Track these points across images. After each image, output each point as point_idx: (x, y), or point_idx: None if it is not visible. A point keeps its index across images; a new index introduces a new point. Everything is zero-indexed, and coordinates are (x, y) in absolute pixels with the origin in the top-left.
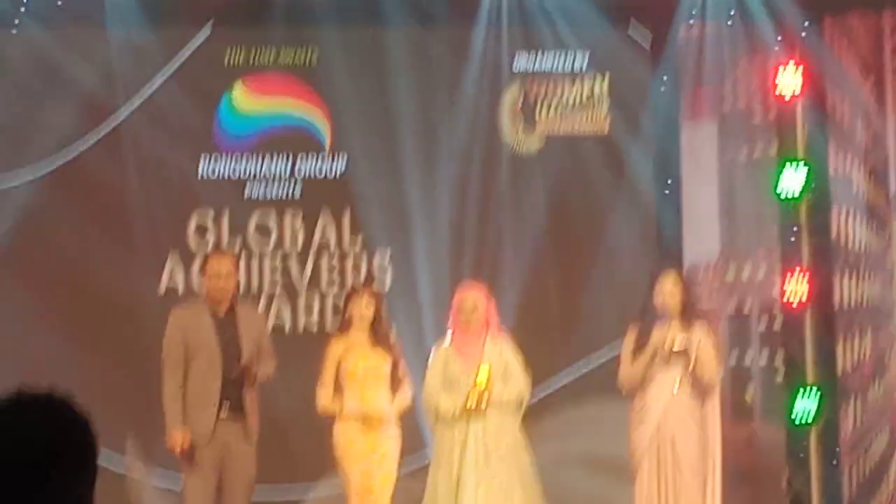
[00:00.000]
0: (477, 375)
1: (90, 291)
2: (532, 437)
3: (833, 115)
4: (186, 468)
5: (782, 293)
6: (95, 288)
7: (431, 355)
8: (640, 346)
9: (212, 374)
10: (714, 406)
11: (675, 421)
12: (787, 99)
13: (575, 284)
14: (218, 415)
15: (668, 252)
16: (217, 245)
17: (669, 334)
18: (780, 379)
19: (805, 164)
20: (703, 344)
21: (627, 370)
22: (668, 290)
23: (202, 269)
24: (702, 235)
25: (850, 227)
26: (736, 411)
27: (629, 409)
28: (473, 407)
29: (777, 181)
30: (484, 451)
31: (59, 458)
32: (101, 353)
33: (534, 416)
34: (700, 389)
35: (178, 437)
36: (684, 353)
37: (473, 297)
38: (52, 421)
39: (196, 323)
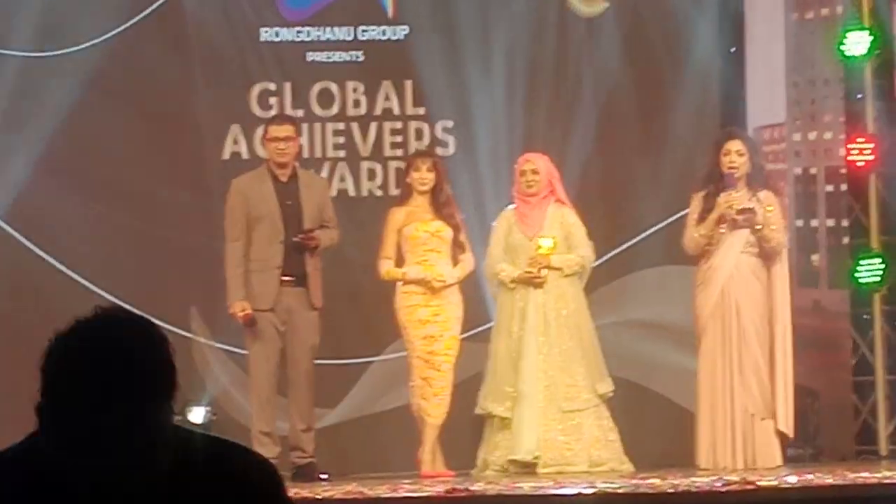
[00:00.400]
0: (538, 242)
1: (152, 159)
2: (594, 303)
3: None
4: (249, 334)
5: (847, 153)
6: (158, 156)
7: (495, 222)
8: (706, 210)
9: (274, 239)
10: (783, 271)
11: (741, 284)
12: None
13: (639, 152)
14: (281, 280)
15: (732, 117)
16: (280, 111)
17: (735, 198)
18: (845, 241)
19: (870, 27)
20: (769, 207)
21: (692, 233)
22: (732, 156)
23: (264, 134)
24: (767, 98)
25: None
26: (802, 276)
27: (694, 272)
28: (534, 274)
29: (842, 42)
30: (544, 317)
31: (154, 375)
32: (166, 221)
33: (596, 282)
34: (767, 253)
35: (239, 305)
36: (751, 215)
37: (535, 163)
38: (145, 339)
39: (258, 188)
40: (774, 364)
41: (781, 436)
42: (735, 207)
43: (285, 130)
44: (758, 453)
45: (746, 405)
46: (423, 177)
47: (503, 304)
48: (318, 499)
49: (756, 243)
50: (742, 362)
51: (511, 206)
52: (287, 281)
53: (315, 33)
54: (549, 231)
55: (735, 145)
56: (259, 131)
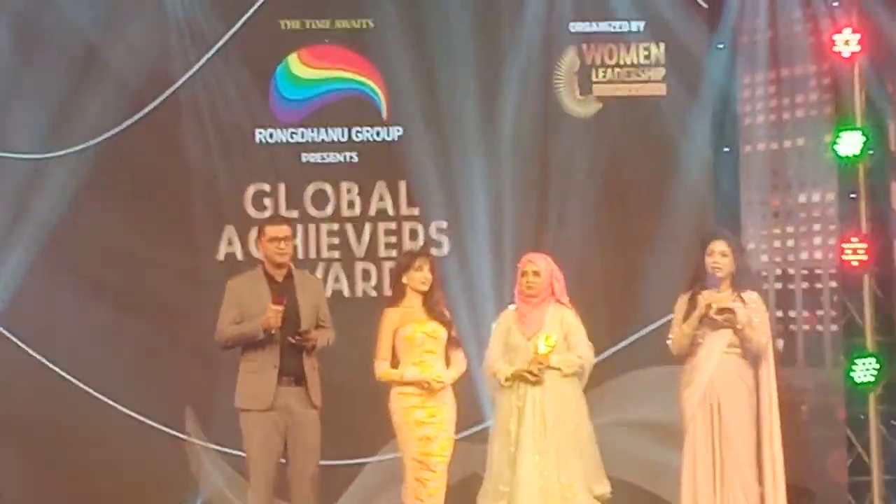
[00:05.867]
0: (536, 342)
1: (149, 261)
2: (591, 402)
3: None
4: (248, 434)
5: (840, 252)
6: (154, 257)
7: (495, 323)
8: (690, 310)
9: (271, 340)
10: (768, 372)
11: (723, 384)
12: (844, 57)
13: (632, 252)
14: (279, 380)
15: (723, 217)
16: (275, 212)
17: (717, 297)
18: (838, 341)
19: (862, 128)
20: (753, 308)
21: (677, 332)
22: (716, 257)
23: (259, 235)
24: (758, 198)
25: None
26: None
27: (680, 372)
28: (532, 374)
29: (835, 142)
30: (542, 417)
31: None
32: (160, 321)
33: (593, 381)
34: (750, 353)
35: (263, 318)
36: (731, 315)
37: (536, 264)
38: None
39: (253, 290)
40: (762, 465)
41: None
42: (715, 307)
43: (283, 231)
44: None
45: None
46: (425, 277)
47: (501, 404)
48: None
49: (740, 344)
50: (724, 461)
51: (511, 307)
52: (286, 381)
53: (309, 134)
54: (548, 331)
55: (719, 246)
56: (253, 232)
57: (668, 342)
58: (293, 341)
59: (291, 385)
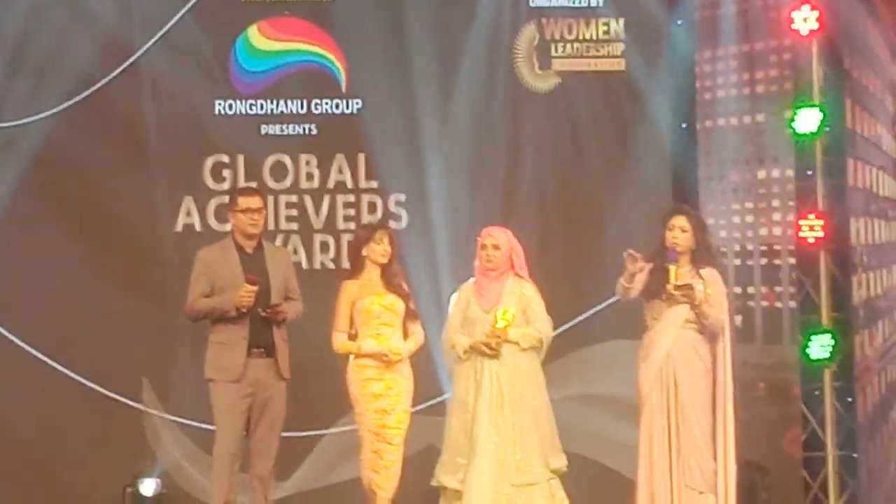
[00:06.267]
0: (494, 315)
1: (107, 231)
2: (548, 378)
3: (852, 63)
4: (217, 405)
5: (797, 229)
6: (112, 226)
7: (454, 295)
8: (649, 283)
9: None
10: (725, 348)
11: (680, 358)
12: (802, 34)
13: (591, 226)
14: (250, 352)
15: (682, 192)
16: (233, 184)
17: (676, 270)
18: (794, 318)
19: (819, 104)
20: (710, 284)
21: (621, 284)
22: (676, 232)
23: (232, 205)
24: (717, 173)
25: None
26: (749, 354)
27: (638, 346)
28: (489, 348)
29: (792, 119)
30: (499, 390)
31: None
32: (119, 291)
33: (549, 355)
34: (707, 329)
35: (236, 296)
36: (688, 290)
37: (496, 237)
38: None
39: (223, 260)
40: (716, 439)
41: None
42: (673, 283)
43: (256, 202)
44: None
45: (685, 479)
46: (385, 249)
47: (459, 377)
48: None
49: (696, 319)
50: (679, 436)
51: (471, 280)
52: (256, 352)
53: (269, 106)
54: (506, 305)
55: (679, 221)
56: (212, 203)
57: (616, 290)
58: (263, 314)
59: (262, 357)
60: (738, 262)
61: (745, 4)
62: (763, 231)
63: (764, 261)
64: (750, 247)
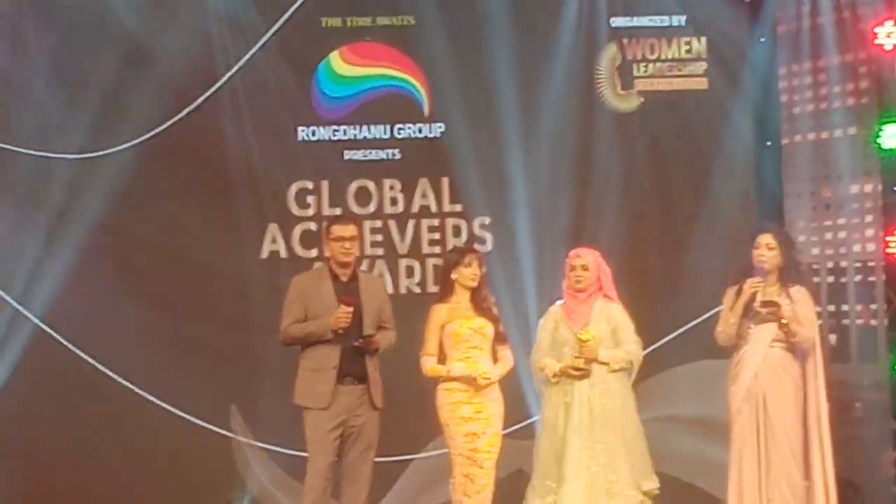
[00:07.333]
0: (582, 337)
1: (194, 259)
2: (636, 399)
3: None
4: (308, 433)
5: (885, 245)
6: (199, 256)
7: (542, 318)
8: (738, 300)
9: (332, 340)
10: (815, 367)
11: (769, 377)
12: (886, 49)
13: (676, 247)
14: (341, 380)
15: (767, 211)
16: (317, 210)
17: (766, 291)
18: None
19: None
20: (799, 302)
21: (723, 322)
22: (762, 250)
23: (326, 233)
24: (806, 189)
25: None
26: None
27: (727, 366)
28: (577, 370)
29: (878, 135)
30: (589, 413)
31: None
32: (205, 320)
33: (638, 377)
34: (796, 348)
35: (332, 318)
36: (775, 308)
37: (584, 258)
38: None
39: (317, 287)
40: (810, 461)
41: None
42: (759, 300)
43: (350, 230)
44: None
45: (775, 498)
46: (474, 273)
47: (549, 399)
48: None
49: (785, 338)
50: (769, 455)
51: (559, 302)
52: (347, 380)
53: (352, 132)
54: (594, 326)
55: (766, 239)
56: (297, 230)
57: (717, 333)
58: (357, 345)
59: (354, 384)
60: (831, 279)
61: (827, 18)
62: (857, 248)
63: (858, 277)
64: (843, 263)
